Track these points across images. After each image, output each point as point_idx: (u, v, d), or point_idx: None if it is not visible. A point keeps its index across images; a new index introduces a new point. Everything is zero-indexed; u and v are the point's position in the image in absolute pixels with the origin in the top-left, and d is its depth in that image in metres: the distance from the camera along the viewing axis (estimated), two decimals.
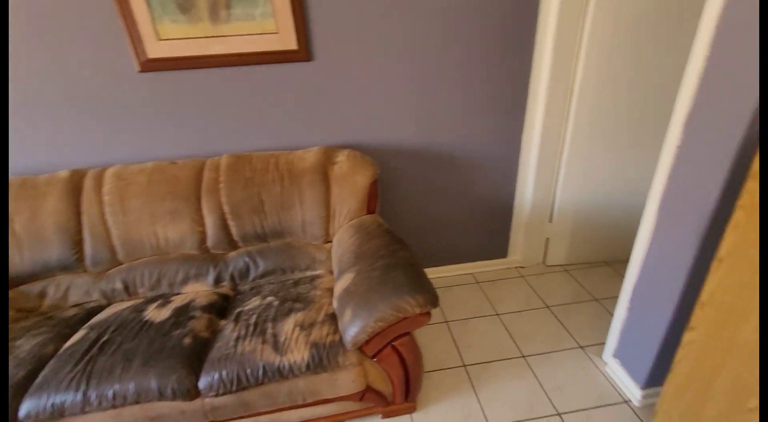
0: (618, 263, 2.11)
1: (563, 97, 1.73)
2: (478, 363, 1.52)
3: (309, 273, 1.48)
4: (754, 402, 0.93)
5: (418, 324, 1.13)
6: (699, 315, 1.05)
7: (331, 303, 1.28)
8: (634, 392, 1.33)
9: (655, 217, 1.21)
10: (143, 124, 1.55)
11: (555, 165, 1.88)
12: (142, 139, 1.58)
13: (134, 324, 1.23)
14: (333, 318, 1.21)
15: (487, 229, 2.02)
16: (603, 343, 1.58)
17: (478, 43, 1.60)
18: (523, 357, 1.54)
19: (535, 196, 1.93)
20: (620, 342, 1.41)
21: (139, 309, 1.31)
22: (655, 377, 1.29)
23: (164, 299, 1.37)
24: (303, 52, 1.49)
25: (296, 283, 1.41)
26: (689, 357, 1.09)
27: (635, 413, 1.30)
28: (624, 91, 1.73)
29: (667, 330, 1.19)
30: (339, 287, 1.26)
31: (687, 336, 1.09)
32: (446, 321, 1.74)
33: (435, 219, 1.94)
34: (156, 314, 1.27)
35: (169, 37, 1.41)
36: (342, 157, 1.51)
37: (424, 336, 1.68)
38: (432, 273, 2.08)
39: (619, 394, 1.37)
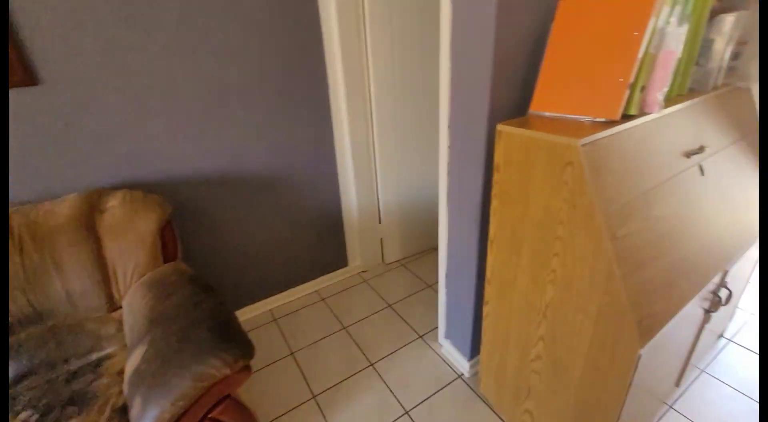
0: None
1: (363, 106, 1.81)
2: (328, 389, 1.46)
3: (94, 356, 1.15)
4: (535, 352, 1.12)
5: (237, 383, 0.98)
6: (488, 290, 1.21)
7: (122, 392, 1.01)
8: (464, 365, 1.49)
9: (446, 208, 1.35)
10: None
11: (371, 170, 1.96)
12: None
13: None
14: (124, 412, 0.95)
15: (323, 243, 1.98)
16: (437, 327, 1.74)
17: (267, 60, 1.51)
18: (372, 365, 1.55)
19: (360, 202, 1.98)
20: (447, 322, 1.55)
21: None
22: (475, 348, 1.47)
23: None
24: (21, 73, 1.12)
25: (71, 378, 1.07)
26: (489, 326, 1.26)
27: (467, 384, 1.45)
28: (412, 95, 1.92)
29: (474, 305, 1.36)
30: (129, 368, 1.00)
31: (485, 309, 1.25)
32: (292, 353, 1.63)
33: (265, 245, 1.80)
34: None
35: None
36: (114, 202, 1.22)
37: (267, 378, 1.53)
38: (271, 302, 1.92)
39: (454, 371, 1.51)
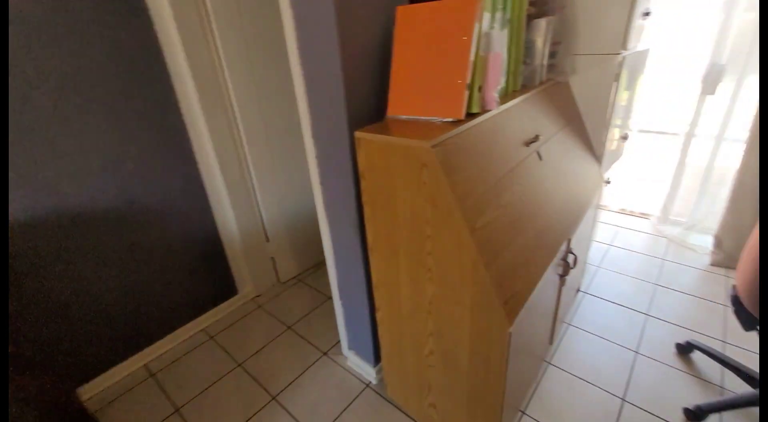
0: None
1: (226, 121, 1.65)
2: None
3: None
4: (428, 348, 1.14)
5: None
6: (378, 297, 1.21)
7: None
8: (370, 373, 1.48)
9: (325, 218, 1.30)
10: None
11: (248, 186, 1.81)
12: None
13: None
14: None
15: (202, 275, 1.76)
16: (340, 341, 1.69)
17: (108, 84, 1.26)
18: (274, 398, 1.43)
19: (240, 223, 1.81)
20: (348, 333, 1.52)
21: None
22: (378, 353, 1.46)
23: None
24: None
25: None
26: (385, 331, 1.26)
27: (375, 391, 1.44)
28: (279, 102, 1.82)
29: (369, 312, 1.34)
30: None
31: (378, 316, 1.24)
32: (177, 410, 1.41)
33: (131, 291, 1.51)
34: None
35: None
36: None
37: None
38: (146, 355, 1.63)
39: (361, 381, 1.49)
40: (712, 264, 2.04)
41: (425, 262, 1.00)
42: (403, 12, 0.98)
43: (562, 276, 1.35)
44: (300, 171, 1.98)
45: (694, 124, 2.09)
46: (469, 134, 0.96)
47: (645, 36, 1.68)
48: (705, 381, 1.41)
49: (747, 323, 1.22)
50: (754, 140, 1.74)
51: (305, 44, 1.02)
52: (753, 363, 1.47)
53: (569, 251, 1.33)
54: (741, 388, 1.37)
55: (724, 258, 1.99)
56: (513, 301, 0.92)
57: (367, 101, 1.07)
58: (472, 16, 0.89)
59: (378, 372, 1.46)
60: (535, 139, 1.23)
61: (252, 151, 1.76)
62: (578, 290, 1.92)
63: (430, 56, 0.96)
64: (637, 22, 1.43)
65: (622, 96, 1.60)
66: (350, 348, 1.54)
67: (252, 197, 1.84)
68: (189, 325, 1.75)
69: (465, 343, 1.02)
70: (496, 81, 1.03)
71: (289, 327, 1.76)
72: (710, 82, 1.96)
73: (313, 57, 1.02)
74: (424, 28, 0.96)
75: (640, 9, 1.39)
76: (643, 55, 1.68)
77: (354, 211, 1.15)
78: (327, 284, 2.04)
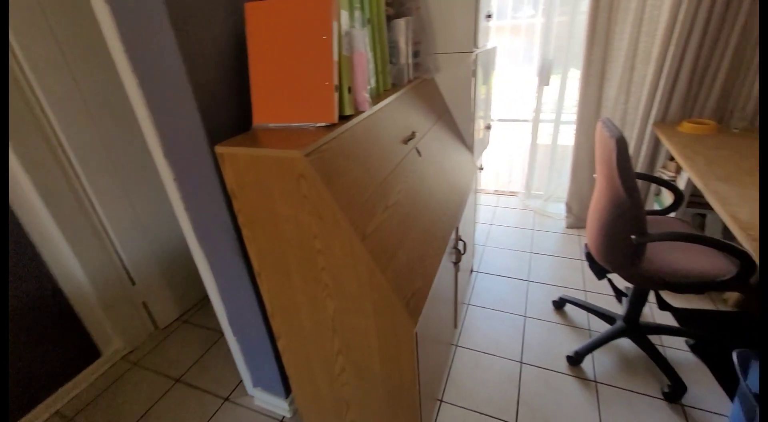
0: None
1: (45, 144, 1.30)
2: None
3: None
4: (339, 366, 1.08)
5: None
6: (276, 324, 1.09)
7: None
8: (283, 407, 1.34)
9: (199, 247, 1.12)
10: None
11: (94, 226, 1.47)
12: None
13: None
14: None
15: (49, 343, 1.37)
16: (242, 380, 1.51)
17: None
18: None
19: (89, 270, 1.46)
20: (251, 370, 1.35)
21: None
22: (288, 384, 1.34)
23: None
24: None
25: None
26: (291, 359, 1.15)
27: None
28: (118, 118, 1.52)
29: (270, 343, 1.21)
30: None
31: (280, 345, 1.13)
32: None
33: None
34: None
35: None
36: None
37: None
38: None
39: (274, 419, 1.34)
40: (568, 227, 2.42)
41: (321, 278, 0.92)
42: (252, 9, 0.88)
43: (456, 263, 1.43)
44: (163, 196, 1.70)
45: (537, 110, 2.44)
46: (346, 138, 0.92)
47: (491, 36, 1.89)
48: (578, 328, 1.66)
49: (599, 273, 1.46)
50: (581, 122, 2.11)
51: (133, 44, 0.84)
52: (608, 305, 1.78)
53: (459, 238, 1.41)
54: (603, 328, 1.65)
55: (575, 220, 2.39)
56: (414, 300, 0.91)
57: (227, 110, 0.94)
58: (329, 14, 0.85)
59: (291, 404, 1.34)
60: (412, 135, 1.26)
61: (92, 181, 1.43)
62: (471, 271, 2.07)
63: (291, 58, 0.88)
64: (482, 23, 1.58)
65: (481, 90, 1.77)
66: (255, 385, 1.37)
67: (102, 237, 1.50)
68: (37, 411, 1.34)
69: (374, 352, 0.98)
70: (365, 81, 1.00)
71: (177, 380, 1.50)
72: (544, 75, 2.31)
73: (145, 58, 0.84)
74: (278, 27, 0.88)
75: (483, 12, 1.54)
76: (492, 52, 1.87)
77: (231, 236, 1.01)
78: (215, 316, 1.81)
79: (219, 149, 0.83)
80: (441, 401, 1.38)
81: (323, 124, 0.90)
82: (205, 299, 1.93)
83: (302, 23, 0.86)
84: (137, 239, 1.60)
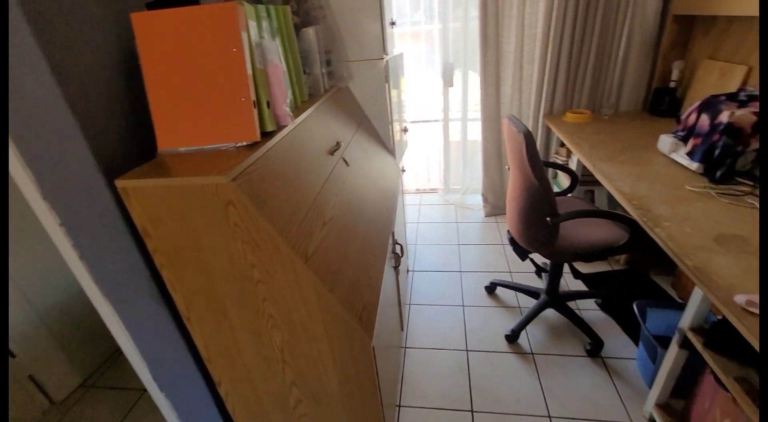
0: None
1: None
2: None
3: None
4: (294, 398, 1.00)
5: None
6: (214, 370, 0.97)
7: None
8: None
9: (104, 300, 0.95)
10: None
11: None
12: None
13: None
14: None
15: None
16: None
17: None
18: None
19: None
20: None
21: None
22: None
23: None
24: None
25: None
26: (237, 404, 1.04)
27: None
28: None
29: (209, 391, 1.08)
30: None
31: (221, 391, 1.01)
32: None
33: None
34: None
35: None
36: None
37: None
38: None
39: None
40: (486, 216, 2.62)
41: (264, 310, 0.85)
42: (141, 20, 0.77)
43: (396, 267, 1.44)
44: (47, 245, 1.40)
45: (446, 110, 2.60)
46: (272, 156, 0.86)
47: (396, 42, 1.95)
48: (510, 307, 1.80)
49: (522, 255, 1.61)
50: (485, 118, 2.30)
51: None
52: (531, 281, 1.96)
53: (396, 242, 1.42)
54: (530, 303, 1.82)
55: (492, 209, 2.59)
56: (366, 313, 0.89)
57: (125, 137, 0.81)
58: (235, 24, 0.78)
59: None
60: (338, 146, 1.23)
61: None
62: (408, 271, 2.12)
63: (197, 74, 0.79)
64: (388, 30, 1.62)
65: (394, 94, 1.81)
66: None
67: None
68: None
69: (331, 375, 0.93)
70: (284, 94, 0.95)
71: None
72: (447, 77, 2.47)
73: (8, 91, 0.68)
74: (178, 39, 0.78)
75: (388, 19, 1.58)
76: (400, 58, 1.93)
77: (147, 281, 0.88)
78: (135, 374, 1.56)
79: (121, 183, 0.71)
80: (399, 406, 1.38)
81: (244, 144, 0.82)
82: (116, 354, 1.65)
83: (206, 35, 0.77)
84: (13, 302, 1.29)
